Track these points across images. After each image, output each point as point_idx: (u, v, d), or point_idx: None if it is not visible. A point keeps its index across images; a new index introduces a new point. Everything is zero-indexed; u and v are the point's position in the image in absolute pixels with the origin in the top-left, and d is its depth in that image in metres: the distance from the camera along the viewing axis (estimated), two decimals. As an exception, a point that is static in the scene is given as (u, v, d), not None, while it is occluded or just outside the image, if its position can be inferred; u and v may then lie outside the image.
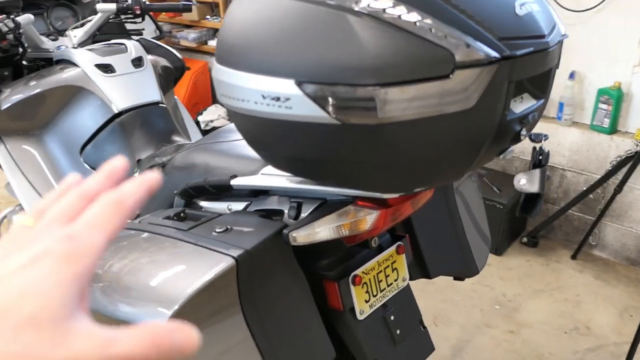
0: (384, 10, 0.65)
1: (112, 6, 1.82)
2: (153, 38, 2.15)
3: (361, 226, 0.94)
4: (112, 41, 1.81)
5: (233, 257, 0.84)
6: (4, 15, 1.64)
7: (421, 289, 2.24)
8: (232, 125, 1.01)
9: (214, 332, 0.85)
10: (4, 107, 1.62)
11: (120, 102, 1.62)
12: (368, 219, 0.94)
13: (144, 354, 0.29)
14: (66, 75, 1.65)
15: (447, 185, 1.26)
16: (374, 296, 1.10)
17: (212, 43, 3.85)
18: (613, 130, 2.39)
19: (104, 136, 1.63)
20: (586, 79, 2.44)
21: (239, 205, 1.09)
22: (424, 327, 1.21)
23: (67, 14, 2.08)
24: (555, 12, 0.84)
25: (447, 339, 2.03)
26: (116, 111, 1.61)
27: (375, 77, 0.66)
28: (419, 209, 1.06)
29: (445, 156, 0.74)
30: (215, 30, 3.86)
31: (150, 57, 1.81)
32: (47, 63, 1.80)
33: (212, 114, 3.73)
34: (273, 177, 0.97)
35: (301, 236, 0.89)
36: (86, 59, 1.65)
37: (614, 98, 2.31)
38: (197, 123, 3.53)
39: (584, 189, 2.44)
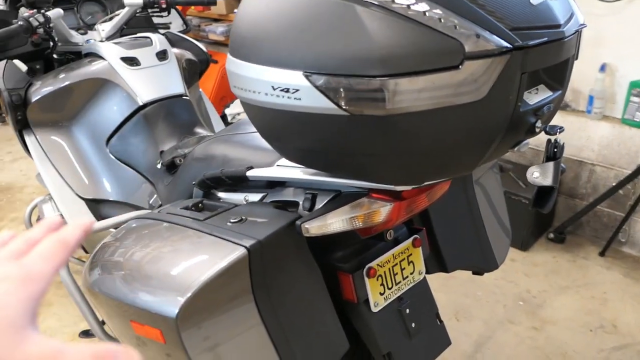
0: (392, 0, 0.65)
1: (139, 0, 1.86)
2: (179, 32, 2.18)
3: (375, 218, 0.94)
4: (138, 35, 1.84)
5: (245, 247, 0.85)
6: (35, 10, 1.69)
7: (443, 283, 2.24)
8: None
9: (227, 319, 0.86)
10: (35, 99, 1.67)
11: (144, 94, 1.65)
12: (382, 211, 0.93)
13: None
14: (93, 68, 1.69)
15: (466, 178, 1.24)
16: (389, 289, 1.10)
17: (239, 36, 3.86)
18: (645, 124, 2.32)
19: (128, 128, 1.66)
20: (618, 71, 2.37)
21: (255, 197, 1.10)
22: (440, 321, 1.21)
23: (96, 8, 2.13)
24: (575, 1, 0.82)
25: (468, 335, 2.01)
26: (141, 103, 1.64)
27: (383, 68, 0.66)
28: (437, 201, 1.05)
29: (455, 148, 0.73)
30: (243, 24, 3.87)
31: (175, 50, 1.83)
32: (76, 56, 1.85)
33: (239, 107, 3.76)
34: (288, 169, 0.98)
35: (314, 227, 0.90)
36: (112, 52, 1.68)
37: (647, 91, 2.24)
38: (224, 116, 3.57)
39: (614, 184, 2.37)
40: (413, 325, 1.13)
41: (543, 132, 0.80)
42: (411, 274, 1.15)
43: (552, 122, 0.85)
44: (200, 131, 1.69)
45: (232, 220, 0.95)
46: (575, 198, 2.61)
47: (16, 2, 1.90)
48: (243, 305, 0.88)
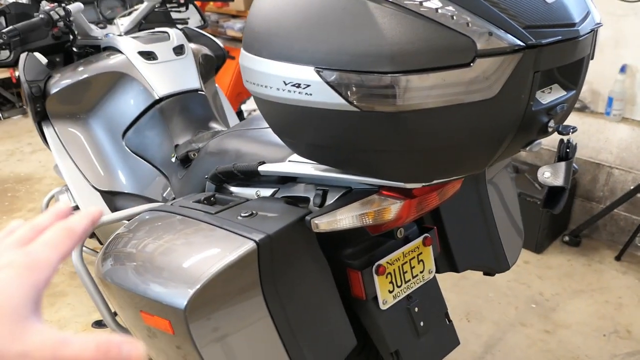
0: (405, -3, 0.65)
1: (158, -5, 1.88)
2: (197, 27, 2.20)
3: (385, 216, 0.94)
4: (156, 29, 1.86)
5: (255, 240, 0.86)
6: (56, 4, 1.71)
7: (455, 283, 2.23)
8: None
9: (235, 312, 0.87)
10: (54, 91, 1.69)
11: (160, 88, 1.67)
12: (392, 208, 0.93)
13: (92, 358, 0.32)
14: (111, 61, 1.71)
15: (479, 177, 1.23)
16: (398, 287, 1.10)
17: (257, 33, 3.88)
18: (666, 127, 2.28)
19: (144, 121, 1.68)
20: (638, 72, 2.33)
21: (267, 191, 1.11)
22: (450, 321, 1.20)
23: (116, 3, 2.15)
24: (592, 0, 0.81)
25: (478, 336, 2.00)
26: (157, 97, 1.66)
27: (394, 64, 0.65)
28: (448, 200, 1.04)
29: (465, 146, 0.73)
30: (260, 20, 3.89)
31: (192, 45, 1.85)
32: (95, 50, 1.87)
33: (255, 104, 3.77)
34: (299, 165, 0.99)
35: (323, 223, 0.90)
36: (130, 47, 1.70)
37: (668, 94, 2.20)
38: (240, 112, 3.59)
39: (632, 187, 2.34)
40: (421, 324, 1.13)
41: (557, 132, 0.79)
42: (421, 272, 1.15)
43: (567, 122, 0.84)
44: (215, 126, 1.70)
45: (242, 215, 0.96)
46: (592, 201, 2.57)
47: (38, -5, 1.93)
48: (251, 298, 0.89)
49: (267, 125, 1.16)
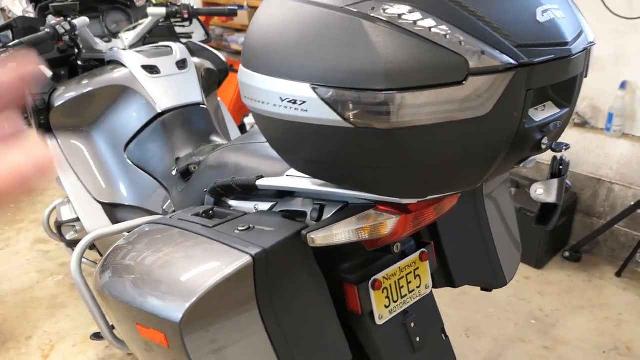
0: (399, 16, 0.66)
1: (162, 10, 1.91)
2: (201, 41, 2.23)
3: (381, 230, 0.94)
4: (160, 44, 1.88)
5: (251, 255, 0.87)
6: (62, 18, 1.74)
7: (454, 299, 2.22)
8: None
9: (230, 326, 0.87)
10: (58, 103, 1.72)
11: (163, 102, 1.69)
12: (388, 223, 0.94)
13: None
14: (115, 75, 1.74)
15: (477, 191, 1.24)
16: (395, 302, 1.10)
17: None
18: (666, 144, 2.28)
19: (146, 134, 1.70)
20: (638, 89, 2.34)
21: (265, 205, 1.12)
22: (446, 336, 1.20)
23: (121, 17, 2.18)
24: (585, 19, 0.82)
25: (477, 352, 1.99)
26: (159, 111, 1.68)
27: (389, 82, 0.67)
28: (445, 215, 1.05)
29: (458, 163, 0.73)
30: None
31: (195, 59, 1.87)
32: (100, 63, 1.90)
33: (258, 117, 3.79)
34: (297, 179, 0.99)
35: (319, 238, 0.91)
36: (134, 60, 1.73)
37: (668, 110, 2.21)
38: (243, 125, 3.61)
39: (632, 203, 2.34)
40: (418, 339, 1.13)
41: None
42: (417, 287, 1.15)
43: (566, 139, 0.85)
44: (216, 139, 1.71)
45: (240, 228, 0.96)
46: (592, 217, 2.57)
47: (44, 10, 1.97)
48: (247, 312, 0.89)
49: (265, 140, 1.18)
